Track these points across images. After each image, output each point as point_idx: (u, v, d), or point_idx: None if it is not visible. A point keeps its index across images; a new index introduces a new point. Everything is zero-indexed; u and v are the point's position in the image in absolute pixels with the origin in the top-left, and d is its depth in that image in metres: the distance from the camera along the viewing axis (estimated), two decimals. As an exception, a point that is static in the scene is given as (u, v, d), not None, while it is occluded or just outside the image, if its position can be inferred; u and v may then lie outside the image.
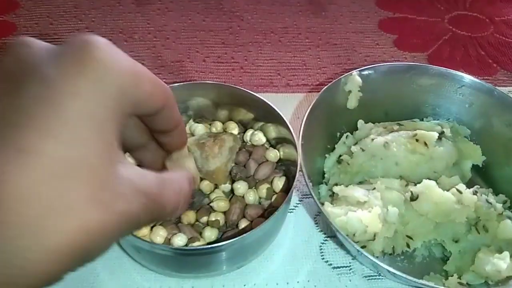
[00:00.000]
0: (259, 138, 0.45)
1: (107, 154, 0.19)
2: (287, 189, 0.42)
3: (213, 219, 0.40)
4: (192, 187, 0.27)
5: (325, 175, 0.46)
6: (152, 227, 0.39)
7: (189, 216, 0.40)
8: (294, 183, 0.38)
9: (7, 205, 0.16)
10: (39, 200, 0.17)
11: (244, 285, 0.40)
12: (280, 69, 0.60)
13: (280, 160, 0.45)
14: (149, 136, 0.27)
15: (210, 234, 0.39)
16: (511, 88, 0.60)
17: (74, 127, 0.18)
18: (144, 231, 0.38)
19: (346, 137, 0.47)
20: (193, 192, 0.41)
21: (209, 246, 0.36)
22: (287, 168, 0.44)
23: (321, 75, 0.59)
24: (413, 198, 0.39)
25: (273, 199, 0.42)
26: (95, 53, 0.19)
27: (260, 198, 0.42)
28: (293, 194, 0.46)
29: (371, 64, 0.47)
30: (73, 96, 0.18)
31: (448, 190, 0.39)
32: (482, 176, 0.47)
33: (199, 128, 0.46)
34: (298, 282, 0.40)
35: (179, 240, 0.38)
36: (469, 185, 0.42)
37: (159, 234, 0.38)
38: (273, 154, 0.44)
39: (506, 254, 0.37)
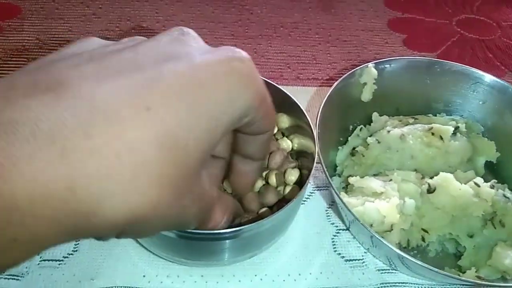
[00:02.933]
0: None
1: (204, 155, 0.20)
2: (300, 182, 0.41)
3: None
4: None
5: (337, 168, 0.46)
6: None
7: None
8: (310, 176, 0.37)
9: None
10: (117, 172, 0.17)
11: (256, 275, 0.39)
12: (290, 62, 0.60)
13: (293, 152, 0.44)
14: (229, 151, 0.28)
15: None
16: (520, 90, 0.60)
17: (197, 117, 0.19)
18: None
19: (360, 129, 0.47)
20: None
21: (217, 231, 0.35)
22: (300, 161, 0.43)
23: (331, 70, 0.59)
24: (430, 190, 0.39)
25: (286, 191, 0.41)
26: (240, 65, 0.21)
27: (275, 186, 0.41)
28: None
29: (387, 57, 0.46)
30: (215, 86, 0.19)
31: (465, 184, 0.39)
32: (493, 173, 0.47)
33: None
34: (310, 273, 0.40)
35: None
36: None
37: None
38: (286, 144, 0.44)
39: (523, 248, 0.36)
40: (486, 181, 0.43)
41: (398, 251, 0.32)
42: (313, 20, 0.67)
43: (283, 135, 0.45)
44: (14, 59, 0.56)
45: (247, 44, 0.62)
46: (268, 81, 0.44)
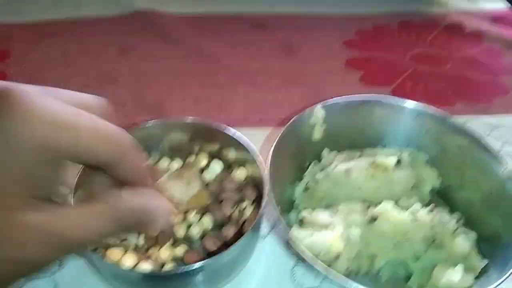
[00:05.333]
0: (216, 166, 0.49)
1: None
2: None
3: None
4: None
5: (295, 202, 0.49)
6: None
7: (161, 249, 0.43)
8: (262, 210, 0.41)
9: None
10: None
11: (218, 309, 0.42)
12: (254, 106, 0.65)
13: (251, 189, 0.48)
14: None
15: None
16: (469, 116, 0.64)
17: None
18: (116, 257, 0.41)
19: (313, 166, 0.51)
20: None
21: (169, 270, 0.39)
22: (257, 198, 0.47)
23: (293, 112, 0.63)
24: (373, 219, 0.42)
25: (245, 225, 0.45)
26: (13, 104, 0.20)
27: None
28: (265, 222, 0.49)
29: (333, 98, 0.51)
30: None
31: (404, 211, 0.42)
32: (443, 198, 0.51)
33: (175, 164, 0.49)
34: (271, 304, 0.43)
35: (148, 265, 0.40)
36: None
37: (129, 260, 0.40)
38: (239, 173, 0.48)
39: (459, 267, 0.39)
40: (437, 206, 0.47)
41: (343, 279, 0.36)
42: (275, 65, 0.72)
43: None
44: None
45: (214, 92, 0.67)
46: (223, 126, 0.48)
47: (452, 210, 0.48)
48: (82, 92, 0.73)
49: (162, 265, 0.43)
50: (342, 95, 0.52)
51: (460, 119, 0.63)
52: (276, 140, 0.46)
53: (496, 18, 0.86)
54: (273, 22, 0.82)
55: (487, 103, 0.67)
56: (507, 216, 0.43)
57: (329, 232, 0.40)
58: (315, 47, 0.77)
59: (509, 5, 0.90)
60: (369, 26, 0.82)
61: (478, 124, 0.64)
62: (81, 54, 0.73)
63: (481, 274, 0.41)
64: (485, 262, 0.41)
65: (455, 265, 0.40)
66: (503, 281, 0.36)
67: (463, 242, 0.42)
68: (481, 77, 0.72)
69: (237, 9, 0.84)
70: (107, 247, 0.42)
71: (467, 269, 0.40)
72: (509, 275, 0.37)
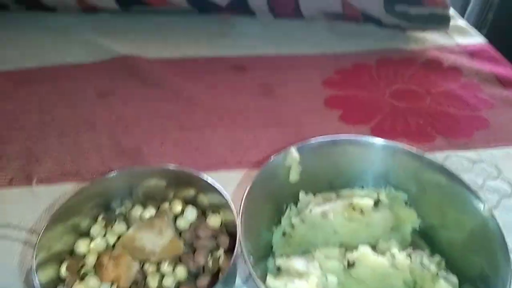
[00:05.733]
0: (190, 213, 0.48)
1: None
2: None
3: None
4: None
5: (273, 248, 0.48)
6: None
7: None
8: (234, 260, 0.40)
9: None
10: None
11: None
12: (233, 147, 0.64)
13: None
14: None
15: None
16: (449, 152, 0.64)
17: None
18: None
19: (290, 209, 0.49)
20: None
21: None
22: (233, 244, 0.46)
23: (272, 152, 0.62)
24: (350, 265, 0.41)
25: (220, 275, 0.43)
26: None
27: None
28: (243, 270, 0.47)
29: (307, 139, 0.50)
30: None
31: (382, 256, 0.41)
32: (424, 238, 0.49)
33: (147, 213, 0.48)
34: None
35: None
36: (412, 248, 0.44)
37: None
38: (213, 219, 0.47)
39: (441, 314, 0.38)
40: (419, 248, 0.46)
41: None
42: (255, 105, 0.72)
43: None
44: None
45: (193, 135, 0.66)
46: (196, 173, 0.47)
47: (434, 250, 0.46)
48: (60, 139, 0.72)
49: (133, 321, 0.41)
50: (322, 135, 0.52)
51: (440, 155, 0.63)
52: (249, 185, 0.45)
53: (473, 53, 0.87)
54: (253, 64, 0.82)
55: (467, 138, 0.67)
56: (491, 257, 0.42)
57: (304, 282, 0.39)
58: (295, 87, 0.77)
59: (486, 40, 0.92)
60: (347, 65, 0.83)
61: (459, 159, 0.63)
62: (59, 100, 0.73)
63: (465, 320, 0.39)
64: (468, 307, 0.39)
65: (438, 311, 0.39)
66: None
67: (445, 286, 0.40)
68: (460, 111, 0.72)
69: (216, 53, 0.85)
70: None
71: (450, 316, 0.38)
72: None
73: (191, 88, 0.76)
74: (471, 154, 0.64)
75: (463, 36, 0.93)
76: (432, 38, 0.92)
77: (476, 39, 0.92)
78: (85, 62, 0.82)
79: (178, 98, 0.74)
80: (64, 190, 0.57)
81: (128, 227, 0.47)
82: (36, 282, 0.38)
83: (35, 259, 0.39)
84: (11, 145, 0.64)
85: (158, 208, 0.49)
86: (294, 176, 0.50)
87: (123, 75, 0.79)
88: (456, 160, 0.63)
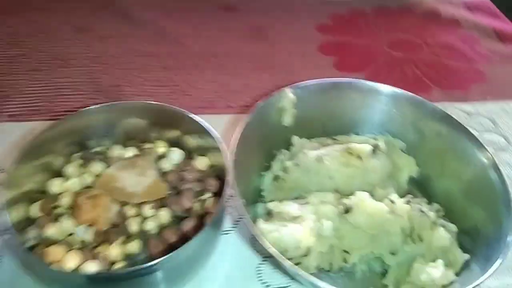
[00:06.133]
0: (175, 155, 0.44)
1: None
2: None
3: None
4: None
5: (262, 194, 0.45)
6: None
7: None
8: (224, 202, 0.37)
9: None
10: None
11: (176, 312, 0.38)
12: (221, 91, 0.60)
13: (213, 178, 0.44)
14: None
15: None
16: (445, 103, 0.61)
17: None
18: (57, 256, 0.35)
19: (283, 154, 0.47)
20: None
21: (119, 270, 0.35)
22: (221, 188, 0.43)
23: (263, 97, 0.59)
24: (347, 210, 0.38)
25: (206, 219, 0.40)
26: None
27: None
28: (229, 215, 0.45)
29: (304, 81, 0.47)
30: None
31: (380, 202, 0.39)
32: (420, 188, 0.47)
33: (128, 152, 0.44)
34: (234, 306, 0.38)
35: (94, 265, 0.35)
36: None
37: (73, 259, 0.35)
38: (200, 162, 0.44)
39: (439, 262, 0.36)
40: (414, 196, 0.44)
41: (319, 282, 0.32)
42: (244, 48, 0.68)
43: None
44: None
45: (178, 75, 0.62)
46: (184, 111, 0.44)
47: (430, 201, 0.44)
48: (32, 75, 0.67)
49: (112, 264, 0.38)
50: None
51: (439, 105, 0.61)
52: (241, 126, 0.42)
53: (472, 7, 0.84)
54: (243, 4, 0.77)
55: (463, 90, 0.65)
56: (489, 207, 0.40)
57: (298, 226, 0.36)
58: (287, 31, 0.73)
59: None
60: (342, 10, 0.79)
61: (455, 112, 0.61)
62: (32, 34, 0.67)
63: (462, 269, 0.37)
64: (466, 257, 0.38)
65: (434, 260, 0.37)
66: (486, 278, 0.33)
67: (443, 235, 0.38)
68: (457, 64, 0.70)
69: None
70: (49, 243, 0.37)
71: (447, 265, 0.37)
72: (493, 271, 0.33)
73: (177, 27, 0.71)
74: (467, 106, 0.62)
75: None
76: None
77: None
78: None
79: (162, 37, 0.69)
80: (34, 127, 0.52)
81: (106, 167, 0.44)
82: (7, 220, 0.34)
83: (5, 197, 0.35)
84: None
85: (139, 149, 0.46)
86: (288, 119, 0.47)
87: (101, 9, 0.73)
88: (452, 111, 0.60)
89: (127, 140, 0.46)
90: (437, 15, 0.81)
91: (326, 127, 0.49)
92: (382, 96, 0.48)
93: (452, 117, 0.45)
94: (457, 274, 0.37)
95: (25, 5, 0.72)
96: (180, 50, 0.67)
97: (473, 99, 0.63)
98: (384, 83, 0.61)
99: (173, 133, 0.46)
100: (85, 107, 0.55)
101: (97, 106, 0.43)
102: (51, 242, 0.38)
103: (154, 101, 0.55)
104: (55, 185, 0.42)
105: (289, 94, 0.45)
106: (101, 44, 0.66)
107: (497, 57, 0.72)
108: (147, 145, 0.46)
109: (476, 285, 0.33)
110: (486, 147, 0.57)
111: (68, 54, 0.64)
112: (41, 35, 0.67)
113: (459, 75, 0.68)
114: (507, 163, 0.55)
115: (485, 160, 0.42)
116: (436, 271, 0.35)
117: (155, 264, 0.33)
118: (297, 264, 0.36)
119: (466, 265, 0.38)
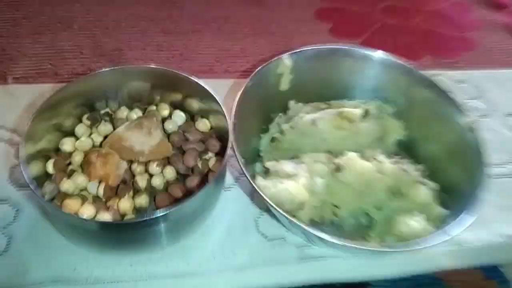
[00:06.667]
0: (178, 117, 0.47)
1: None
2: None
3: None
4: None
5: (260, 154, 0.49)
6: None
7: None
8: (225, 161, 0.40)
9: None
10: None
11: (182, 258, 0.42)
12: (220, 56, 0.62)
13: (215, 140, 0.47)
14: None
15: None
16: (435, 71, 0.64)
17: None
18: (73, 207, 0.39)
19: (279, 117, 0.50)
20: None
21: (137, 219, 0.38)
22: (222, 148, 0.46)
23: (260, 62, 0.61)
24: (338, 169, 0.42)
25: (209, 176, 0.44)
26: None
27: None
28: (230, 173, 0.48)
29: (300, 47, 0.49)
30: None
31: (368, 162, 0.42)
32: (407, 150, 0.51)
33: (133, 114, 0.47)
34: (235, 254, 0.42)
35: (107, 215, 0.39)
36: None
37: (88, 210, 0.39)
38: (202, 124, 0.47)
39: (420, 216, 0.40)
40: (402, 158, 0.47)
41: (311, 229, 0.35)
42: (242, 13, 0.69)
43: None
44: None
45: (178, 40, 0.63)
46: (185, 75, 0.46)
47: (416, 162, 0.48)
48: (35, 38, 0.68)
49: (123, 217, 0.41)
50: (311, 47, 0.50)
51: (426, 73, 0.63)
52: (241, 90, 0.44)
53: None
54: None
55: (454, 58, 0.67)
56: (467, 167, 0.44)
57: (293, 182, 0.40)
58: (284, -4, 0.74)
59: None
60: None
61: (444, 78, 0.64)
62: (31, -4, 0.67)
63: (442, 223, 0.41)
64: (445, 212, 0.42)
65: (416, 215, 0.41)
66: (462, 231, 0.37)
67: (425, 192, 0.42)
68: (449, 32, 0.72)
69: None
70: (64, 197, 0.41)
71: (428, 219, 0.41)
72: (468, 225, 0.38)
73: (175, -10, 0.71)
74: (456, 73, 0.65)
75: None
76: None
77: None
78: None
79: (160, 1, 0.70)
80: (42, 90, 0.54)
81: (114, 128, 0.46)
82: (26, 175, 0.37)
83: (23, 154, 0.38)
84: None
85: (144, 111, 0.48)
86: (285, 84, 0.49)
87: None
88: (441, 78, 0.64)
89: (133, 102, 0.48)
90: (432, -18, 0.82)
91: (321, 92, 0.52)
92: (374, 63, 0.50)
93: (437, 84, 0.48)
94: (436, 228, 0.41)
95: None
96: (179, 14, 0.68)
97: (462, 67, 0.66)
98: (378, 49, 0.63)
99: (176, 96, 0.49)
100: (88, 70, 0.57)
101: (106, 69, 0.45)
102: (66, 196, 0.41)
103: (155, 64, 0.58)
104: (67, 144, 0.45)
105: (286, 61, 0.48)
106: (102, 8, 0.67)
107: (488, 25, 0.74)
108: (151, 108, 0.48)
109: (453, 237, 0.37)
110: (471, 113, 0.61)
111: (69, 17, 0.65)
112: (41, -3, 0.68)
113: (450, 43, 0.70)
114: (491, 128, 0.58)
115: (465, 124, 0.45)
116: (417, 224, 0.39)
117: (163, 215, 0.36)
118: (292, 216, 0.39)
119: (445, 220, 0.42)
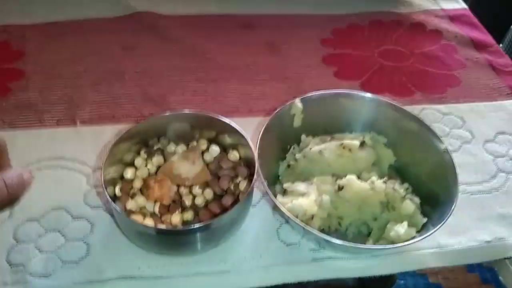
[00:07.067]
0: (214, 149, 0.59)
1: None
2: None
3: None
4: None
5: (280, 177, 0.61)
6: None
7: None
8: (253, 183, 0.52)
9: None
10: None
11: (220, 260, 0.54)
12: (244, 98, 0.75)
13: (243, 166, 0.59)
14: None
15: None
16: (425, 105, 0.76)
17: None
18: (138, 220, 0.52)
19: (294, 148, 0.62)
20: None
21: (187, 227, 0.51)
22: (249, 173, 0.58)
23: (277, 103, 0.73)
24: (340, 188, 0.54)
25: (240, 196, 0.56)
26: None
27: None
28: (255, 193, 0.61)
29: (309, 93, 0.62)
30: None
31: (365, 182, 0.54)
32: (398, 172, 0.62)
33: (179, 149, 0.60)
34: (261, 256, 0.54)
35: (163, 227, 0.52)
36: (388, 178, 0.58)
37: (148, 222, 0.52)
38: (233, 155, 0.59)
39: (404, 223, 0.52)
40: (393, 179, 0.59)
41: (321, 234, 0.47)
42: (261, 61, 0.82)
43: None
44: (23, 113, 0.71)
45: (209, 86, 0.77)
46: (220, 117, 0.58)
47: (404, 181, 0.60)
48: (95, 88, 0.81)
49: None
50: (318, 89, 0.63)
51: (417, 107, 0.76)
52: (263, 128, 0.57)
53: (453, 17, 0.98)
54: (259, 22, 0.92)
55: (441, 94, 0.79)
56: (443, 182, 0.55)
57: (305, 199, 0.52)
58: (296, 45, 0.87)
59: (466, 6, 1.01)
60: (343, 25, 0.93)
61: (432, 111, 0.76)
62: (89, 53, 0.82)
63: (422, 229, 0.53)
64: (424, 220, 0.53)
65: (402, 223, 0.52)
66: (435, 231, 0.49)
67: (409, 205, 0.54)
68: (437, 71, 0.84)
69: (226, 10, 0.94)
70: (129, 214, 0.53)
71: (411, 225, 0.52)
72: (440, 226, 0.49)
73: (205, 44, 0.86)
74: (442, 107, 0.76)
75: (447, 1, 1.03)
76: (420, 2, 1.01)
77: (459, 5, 1.02)
78: (105, 17, 0.90)
79: (193, 53, 0.84)
80: (104, 130, 0.68)
81: (164, 160, 0.59)
82: (106, 195, 0.50)
83: (102, 179, 0.51)
84: (53, 92, 0.74)
85: (187, 146, 0.61)
86: (297, 122, 0.62)
87: (142, 31, 0.88)
88: (430, 112, 0.76)
89: (178, 139, 0.61)
90: (423, 27, 0.95)
91: (326, 127, 0.64)
92: (369, 103, 0.63)
93: (420, 119, 0.60)
94: (418, 232, 0.52)
95: (81, 28, 0.87)
96: (209, 64, 0.82)
97: (448, 101, 0.78)
98: (376, 89, 0.76)
99: (211, 133, 0.61)
100: (139, 113, 0.71)
101: (161, 115, 0.58)
102: (130, 213, 0.54)
103: (192, 107, 0.71)
104: (129, 173, 0.57)
105: (298, 104, 0.61)
106: (146, 61, 0.81)
107: (471, 63, 0.86)
108: (193, 143, 0.61)
109: (428, 235, 0.48)
110: (455, 140, 0.72)
111: (120, 69, 0.79)
112: (96, 53, 0.82)
113: (438, 80, 0.82)
114: (472, 153, 0.69)
115: (442, 149, 0.57)
116: (402, 229, 0.51)
117: (205, 225, 0.48)
118: (306, 226, 0.51)
119: (425, 226, 0.53)
